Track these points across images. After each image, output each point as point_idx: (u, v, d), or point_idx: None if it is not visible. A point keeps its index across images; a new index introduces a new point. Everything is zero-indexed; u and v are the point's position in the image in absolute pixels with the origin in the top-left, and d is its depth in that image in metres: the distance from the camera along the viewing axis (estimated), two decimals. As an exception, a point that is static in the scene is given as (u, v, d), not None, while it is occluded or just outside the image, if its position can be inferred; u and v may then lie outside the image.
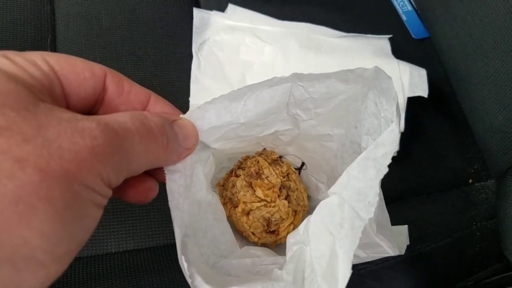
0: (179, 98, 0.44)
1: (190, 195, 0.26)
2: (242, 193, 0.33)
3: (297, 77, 0.27)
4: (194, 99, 0.44)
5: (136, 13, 0.47)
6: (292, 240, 0.28)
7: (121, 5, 0.46)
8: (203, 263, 0.27)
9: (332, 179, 0.36)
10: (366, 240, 0.22)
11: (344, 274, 0.21)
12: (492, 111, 0.41)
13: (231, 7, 0.49)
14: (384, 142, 0.22)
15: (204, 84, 0.45)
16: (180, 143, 0.23)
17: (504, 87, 0.39)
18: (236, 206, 0.33)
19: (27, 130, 0.15)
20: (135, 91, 0.23)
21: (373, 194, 0.22)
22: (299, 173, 0.38)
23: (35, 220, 0.14)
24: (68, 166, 0.15)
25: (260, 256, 0.30)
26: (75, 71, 0.20)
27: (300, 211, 0.34)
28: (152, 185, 0.24)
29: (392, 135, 0.22)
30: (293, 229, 0.34)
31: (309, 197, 0.38)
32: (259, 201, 0.33)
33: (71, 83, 0.20)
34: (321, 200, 0.37)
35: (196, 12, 0.48)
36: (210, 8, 0.49)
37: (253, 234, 0.33)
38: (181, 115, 0.25)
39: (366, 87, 0.27)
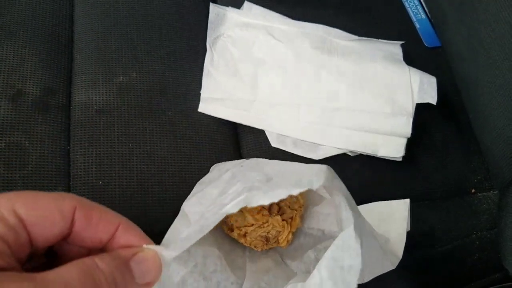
0: (190, 91, 0.44)
1: None
2: (234, 218, 0.33)
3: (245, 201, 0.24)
4: (205, 93, 0.44)
5: (154, 4, 0.47)
6: None
7: (139, -5, 0.47)
8: None
9: None
10: None
11: None
12: (500, 122, 0.41)
13: (247, 4, 0.50)
14: (346, 251, 0.22)
15: (216, 78, 0.45)
16: (136, 280, 0.22)
17: (514, 99, 0.39)
18: (232, 230, 0.33)
19: None
20: (104, 223, 0.22)
21: None
22: None
23: None
24: None
25: None
26: (45, 216, 0.20)
27: (296, 215, 0.34)
28: None
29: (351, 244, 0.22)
30: (293, 235, 0.34)
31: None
32: (251, 225, 0.33)
33: (38, 230, 0.20)
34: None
35: (212, 7, 0.48)
36: (226, 4, 0.50)
37: (255, 247, 0.34)
38: (145, 246, 0.23)
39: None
